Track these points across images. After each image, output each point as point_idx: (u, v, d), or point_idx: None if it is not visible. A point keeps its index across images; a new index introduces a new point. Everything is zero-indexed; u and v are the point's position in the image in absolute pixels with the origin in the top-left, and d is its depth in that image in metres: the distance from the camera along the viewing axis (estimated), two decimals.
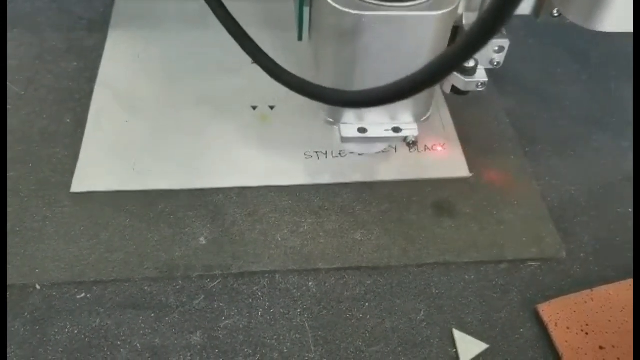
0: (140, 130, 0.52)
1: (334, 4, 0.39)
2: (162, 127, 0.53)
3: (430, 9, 0.39)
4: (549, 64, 0.62)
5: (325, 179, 0.50)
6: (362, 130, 0.46)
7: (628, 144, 0.54)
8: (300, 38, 0.46)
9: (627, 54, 0.64)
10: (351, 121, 0.47)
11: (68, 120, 0.53)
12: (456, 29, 0.43)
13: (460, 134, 0.54)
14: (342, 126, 0.47)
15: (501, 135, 0.54)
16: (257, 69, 0.58)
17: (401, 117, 0.47)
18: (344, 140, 0.47)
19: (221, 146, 0.51)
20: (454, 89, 0.45)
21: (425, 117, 0.48)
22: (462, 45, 0.26)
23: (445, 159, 0.52)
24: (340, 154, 0.51)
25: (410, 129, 0.47)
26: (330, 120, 0.47)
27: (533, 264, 0.45)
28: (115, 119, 0.53)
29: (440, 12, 0.39)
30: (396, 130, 0.46)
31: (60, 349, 0.40)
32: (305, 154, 0.51)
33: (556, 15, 0.42)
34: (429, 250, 0.46)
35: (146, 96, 0.55)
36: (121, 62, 0.58)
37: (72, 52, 0.59)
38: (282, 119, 0.54)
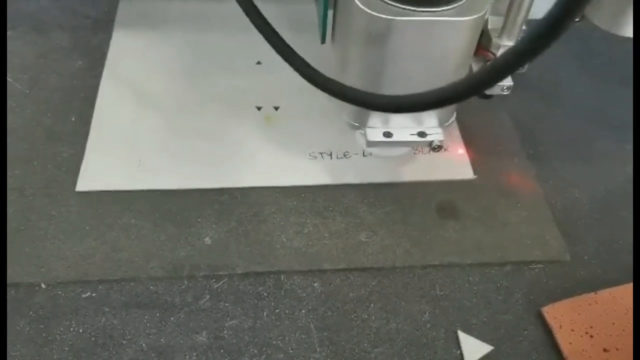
0: (146, 129, 0.52)
1: (364, 8, 0.39)
2: (167, 126, 0.53)
3: (459, 14, 0.39)
4: (553, 67, 0.62)
5: (330, 180, 0.50)
6: (388, 134, 0.46)
7: (632, 147, 0.55)
8: (323, 41, 0.46)
9: (631, 55, 0.64)
10: (377, 125, 0.47)
11: (73, 119, 0.53)
12: (481, 33, 0.43)
13: (464, 137, 0.54)
14: (367, 130, 0.47)
15: (505, 138, 0.55)
16: (261, 69, 0.59)
17: (426, 122, 0.47)
18: (370, 144, 0.47)
19: (226, 146, 0.51)
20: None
21: (449, 122, 0.48)
22: (518, 51, 0.26)
23: (450, 161, 0.52)
24: (345, 155, 0.52)
25: (436, 134, 0.47)
26: (355, 124, 0.47)
27: (537, 266, 0.46)
28: (120, 119, 0.53)
29: (470, 18, 0.39)
30: (421, 134, 0.46)
31: (65, 348, 0.40)
32: (310, 155, 0.51)
33: (577, 20, 0.42)
34: (433, 251, 0.46)
35: (151, 96, 0.55)
36: (126, 61, 0.58)
37: (77, 51, 0.59)
38: (287, 120, 0.54)
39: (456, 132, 0.54)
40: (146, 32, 0.61)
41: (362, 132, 0.47)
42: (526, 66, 0.44)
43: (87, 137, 0.51)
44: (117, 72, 0.57)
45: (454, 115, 0.48)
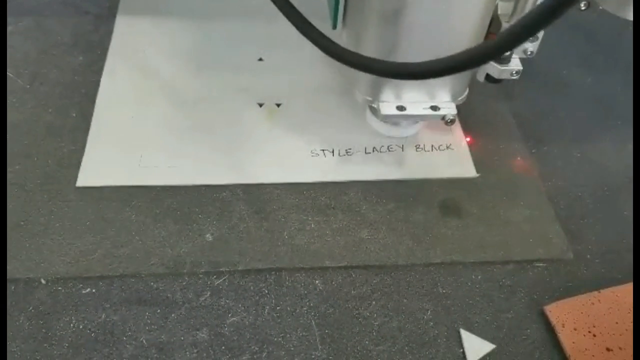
0: (146, 125, 0.52)
1: None
2: (168, 122, 0.52)
3: None
4: (556, 65, 0.62)
5: (331, 177, 0.50)
6: (401, 108, 0.46)
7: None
8: (334, 26, 0.46)
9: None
10: (390, 99, 0.46)
11: (74, 115, 0.53)
12: (492, 20, 0.43)
13: (467, 134, 0.54)
14: (381, 104, 0.46)
15: (508, 136, 0.54)
16: (263, 65, 0.58)
17: (439, 96, 0.46)
18: (383, 117, 0.46)
19: (228, 143, 0.51)
20: (488, 77, 0.45)
21: (462, 97, 0.48)
22: (530, 19, 0.26)
23: (452, 159, 0.52)
24: (347, 152, 0.51)
25: (448, 108, 0.46)
26: (369, 98, 0.47)
27: (540, 264, 0.45)
28: (121, 114, 0.53)
29: None
30: (434, 108, 0.46)
31: (65, 344, 0.39)
32: (312, 152, 0.51)
33: (583, 8, 0.42)
34: (435, 249, 0.46)
35: (152, 91, 0.55)
36: (127, 57, 0.58)
37: (78, 46, 0.59)
38: (289, 117, 0.54)
39: (459, 130, 0.54)
40: (148, 28, 0.61)
41: (376, 105, 0.47)
42: (535, 48, 0.44)
43: (87, 133, 0.51)
44: (118, 67, 0.57)
45: (467, 91, 0.48)
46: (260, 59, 0.59)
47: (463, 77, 0.47)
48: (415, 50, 0.42)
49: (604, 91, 0.60)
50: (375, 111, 0.48)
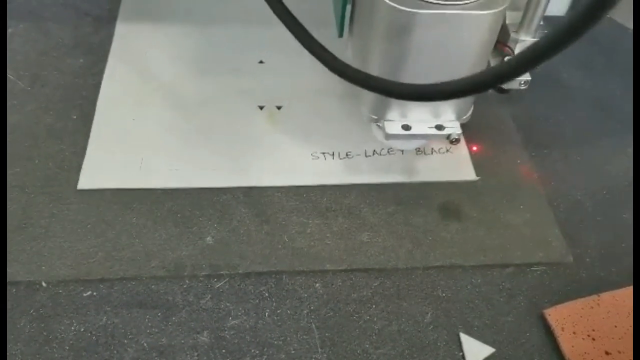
0: (147, 128, 0.52)
1: (388, 1, 0.39)
2: (168, 125, 0.53)
3: (483, 7, 0.39)
4: (555, 69, 0.62)
5: (332, 180, 0.50)
6: (406, 127, 0.46)
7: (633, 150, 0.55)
8: (341, 35, 0.46)
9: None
10: (395, 118, 0.47)
11: (74, 117, 0.53)
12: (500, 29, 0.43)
13: (467, 138, 0.54)
14: (386, 123, 0.46)
15: (507, 140, 0.54)
16: (264, 68, 0.58)
17: (444, 115, 0.47)
18: (388, 137, 0.47)
19: (228, 146, 0.51)
20: (497, 87, 0.46)
21: (466, 116, 0.48)
22: (549, 42, 0.27)
23: (452, 163, 0.52)
24: (347, 155, 0.51)
25: (453, 127, 0.47)
26: (374, 117, 0.47)
27: (539, 268, 0.46)
28: (122, 117, 0.53)
29: (493, 11, 0.39)
30: (439, 127, 0.46)
31: (66, 347, 0.39)
32: (312, 155, 0.51)
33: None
34: (435, 253, 0.46)
35: (153, 94, 0.55)
36: (128, 59, 0.58)
37: (79, 48, 0.59)
38: (290, 120, 0.54)
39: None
40: (148, 30, 0.61)
41: (381, 125, 0.47)
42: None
43: (88, 135, 0.51)
44: (118, 70, 0.57)
45: (471, 109, 0.48)
46: (261, 62, 0.59)
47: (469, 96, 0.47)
48: (422, 67, 0.42)
49: (603, 95, 0.60)
50: (380, 129, 0.48)
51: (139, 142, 0.51)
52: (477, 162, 0.52)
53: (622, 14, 0.40)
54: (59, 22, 0.62)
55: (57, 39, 0.60)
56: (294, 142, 0.52)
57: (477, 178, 0.51)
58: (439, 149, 0.53)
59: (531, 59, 0.28)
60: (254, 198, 0.48)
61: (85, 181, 0.48)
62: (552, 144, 0.55)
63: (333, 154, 0.51)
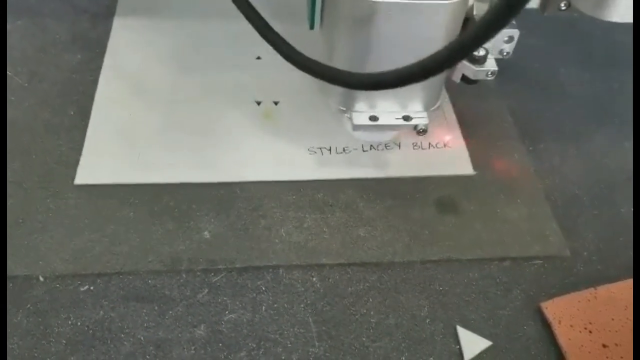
0: (145, 123, 0.52)
1: None
2: (166, 120, 0.53)
3: None
4: (552, 62, 0.62)
5: (329, 174, 0.50)
6: (374, 118, 0.46)
7: (631, 143, 0.55)
8: (312, 27, 0.46)
9: (631, 53, 0.64)
10: (363, 109, 0.47)
11: (72, 113, 0.53)
12: (467, 20, 0.43)
13: (464, 132, 0.54)
14: (353, 114, 0.47)
15: (505, 134, 0.54)
16: (261, 64, 0.58)
17: (411, 106, 0.47)
18: (356, 127, 0.47)
19: (225, 141, 0.51)
20: (464, 78, 0.46)
21: (434, 107, 0.48)
22: (479, 29, 0.26)
23: (449, 157, 0.52)
24: (344, 150, 0.51)
25: (420, 118, 0.47)
26: (342, 108, 0.47)
27: (536, 262, 0.46)
28: (119, 112, 0.53)
29: (453, 1, 0.39)
30: (406, 118, 0.46)
31: (63, 341, 0.39)
32: (309, 150, 0.51)
33: (563, 8, 0.42)
34: (432, 247, 0.46)
35: (150, 89, 0.55)
36: (125, 55, 0.58)
37: (76, 44, 0.59)
38: (287, 115, 0.54)
39: (456, 128, 0.54)
40: (146, 26, 0.61)
41: (349, 115, 0.47)
42: (511, 49, 0.45)
43: (85, 131, 0.51)
44: (116, 65, 0.57)
45: (440, 100, 0.49)
46: (258, 57, 0.59)
47: (434, 87, 0.47)
48: (386, 57, 0.42)
49: (600, 89, 0.60)
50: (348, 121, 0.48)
51: (136, 137, 0.51)
52: (475, 156, 0.52)
53: (586, 3, 0.40)
54: (57, 18, 0.62)
55: (55, 35, 0.60)
56: (290, 137, 0.52)
57: (475, 172, 0.51)
58: (436, 144, 0.53)
59: (467, 43, 0.28)
60: (251, 193, 0.48)
61: (83, 176, 0.48)
62: (550, 138, 0.55)
63: (330, 149, 0.51)
